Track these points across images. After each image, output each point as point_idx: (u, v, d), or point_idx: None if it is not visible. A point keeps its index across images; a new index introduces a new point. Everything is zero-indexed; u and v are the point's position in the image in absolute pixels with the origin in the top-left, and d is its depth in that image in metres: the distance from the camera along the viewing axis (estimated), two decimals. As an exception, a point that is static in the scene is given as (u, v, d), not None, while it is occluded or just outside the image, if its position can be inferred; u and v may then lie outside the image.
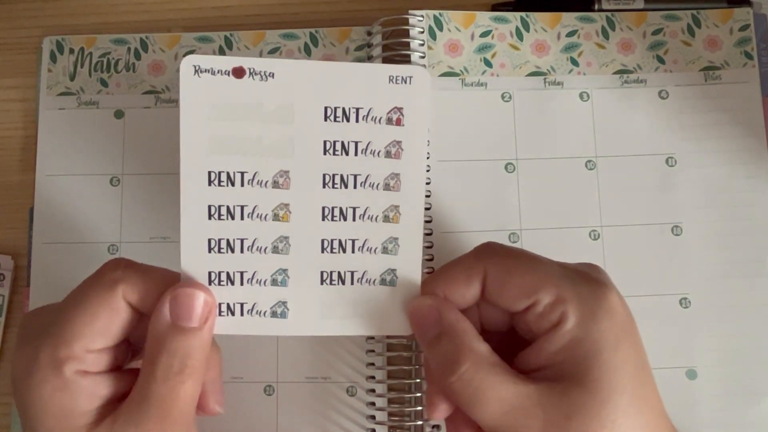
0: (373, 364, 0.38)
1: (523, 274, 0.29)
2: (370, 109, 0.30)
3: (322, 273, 0.31)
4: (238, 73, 0.29)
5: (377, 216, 0.31)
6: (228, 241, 0.30)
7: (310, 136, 0.30)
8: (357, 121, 0.30)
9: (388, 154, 0.30)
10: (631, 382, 0.27)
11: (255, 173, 0.30)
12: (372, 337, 0.39)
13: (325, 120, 0.30)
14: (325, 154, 0.30)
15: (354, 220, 0.31)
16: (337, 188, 0.30)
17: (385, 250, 0.31)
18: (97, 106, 0.42)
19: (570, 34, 0.42)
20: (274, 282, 0.31)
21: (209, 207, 0.30)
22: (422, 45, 0.42)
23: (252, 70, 0.29)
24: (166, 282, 0.29)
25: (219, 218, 0.30)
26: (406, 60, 0.41)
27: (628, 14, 0.43)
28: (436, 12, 0.42)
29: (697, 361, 0.39)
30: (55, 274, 0.41)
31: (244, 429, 0.39)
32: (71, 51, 0.43)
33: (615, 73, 0.42)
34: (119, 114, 0.42)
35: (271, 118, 0.30)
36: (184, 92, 0.29)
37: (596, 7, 0.43)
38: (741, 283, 0.40)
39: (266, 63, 0.29)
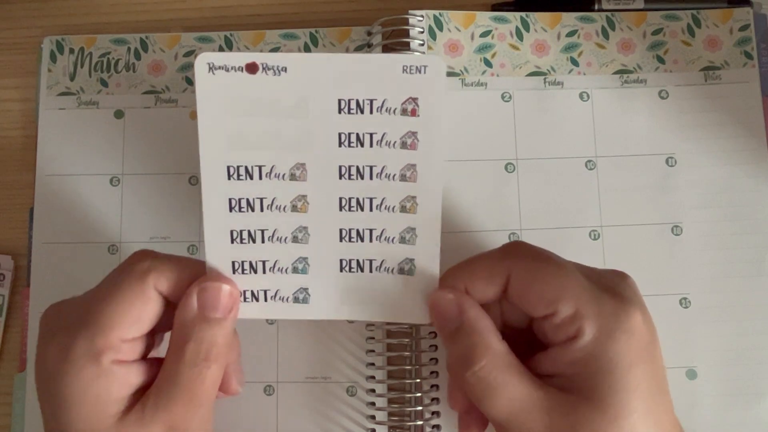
0: (373, 364, 0.38)
1: (546, 281, 0.29)
2: (384, 101, 0.30)
3: (341, 261, 0.31)
4: (252, 68, 0.29)
5: (394, 206, 0.31)
6: (249, 232, 0.31)
7: (325, 129, 0.30)
8: (371, 112, 0.30)
9: (403, 145, 0.30)
10: (642, 403, 0.27)
11: (272, 166, 0.30)
12: (372, 337, 0.39)
13: (339, 112, 0.30)
14: (340, 146, 0.30)
15: (371, 210, 0.31)
16: (353, 179, 0.31)
17: (402, 240, 0.31)
18: (97, 106, 0.42)
19: (570, 34, 0.42)
20: (295, 270, 0.32)
21: (230, 200, 0.31)
22: (422, 45, 0.42)
23: (265, 66, 0.29)
24: (193, 271, 0.31)
25: (240, 210, 0.31)
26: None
27: (628, 14, 0.43)
28: (436, 12, 0.42)
29: (697, 361, 0.39)
30: (55, 274, 0.41)
31: (244, 429, 0.39)
32: (71, 51, 0.43)
33: (615, 73, 0.42)
34: (119, 114, 0.42)
35: (287, 113, 0.30)
36: (199, 89, 0.29)
37: (596, 7, 0.43)
38: (741, 283, 0.40)
39: (278, 57, 0.29)
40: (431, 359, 0.38)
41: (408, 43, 0.41)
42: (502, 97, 0.42)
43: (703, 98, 0.42)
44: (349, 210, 0.31)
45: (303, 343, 0.39)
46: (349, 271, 0.32)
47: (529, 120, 0.41)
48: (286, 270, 0.32)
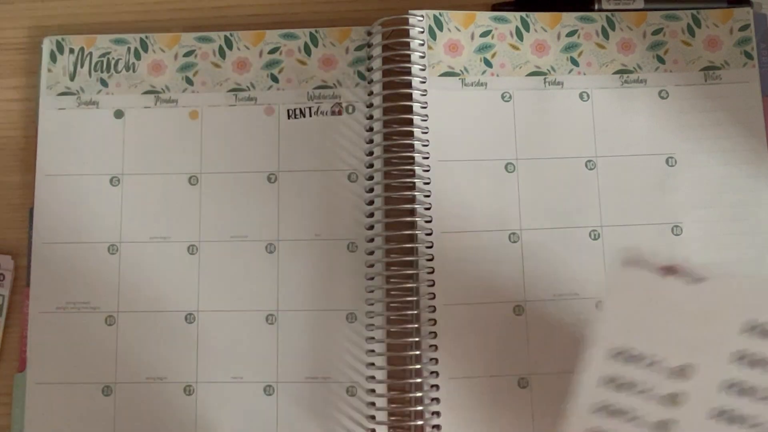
0: (373, 364, 0.38)
1: None
2: None
3: None
4: (670, 271, 0.27)
5: None
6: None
7: (720, 348, 0.27)
8: None
9: None
10: None
11: (647, 394, 0.28)
12: (372, 337, 0.39)
13: (741, 333, 0.27)
14: (733, 363, 0.27)
15: (746, 424, 0.28)
16: (734, 397, 0.28)
17: None
18: (97, 106, 0.42)
19: (570, 34, 0.42)
20: None
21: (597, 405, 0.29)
22: (422, 45, 0.42)
23: (685, 271, 0.27)
24: None
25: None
26: (405, 60, 0.41)
27: (628, 14, 0.43)
28: (436, 12, 0.42)
29: (698, 361, 0.39)
30: (55, 274, 0.41)
31: (245, 429, 0.39)
32: (71, 51, 0.43)
33: (615, 73, 0.42)
34: (119, 114, 0.42)
35: (686, 322, 0.27)
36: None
37: (596, 7, 0.43)
38: (741, 283, 0.40)
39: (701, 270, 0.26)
40: (431, 359, 0.38)
41: (408, 43, 0.41)
42: (502, 97, 0.42)
43: (703, 98, 0.42)
44: (721, 420, 0.28)
45: (303, 343, 0.39)
46: None
47: (529, 120, 0.41)
48: None
